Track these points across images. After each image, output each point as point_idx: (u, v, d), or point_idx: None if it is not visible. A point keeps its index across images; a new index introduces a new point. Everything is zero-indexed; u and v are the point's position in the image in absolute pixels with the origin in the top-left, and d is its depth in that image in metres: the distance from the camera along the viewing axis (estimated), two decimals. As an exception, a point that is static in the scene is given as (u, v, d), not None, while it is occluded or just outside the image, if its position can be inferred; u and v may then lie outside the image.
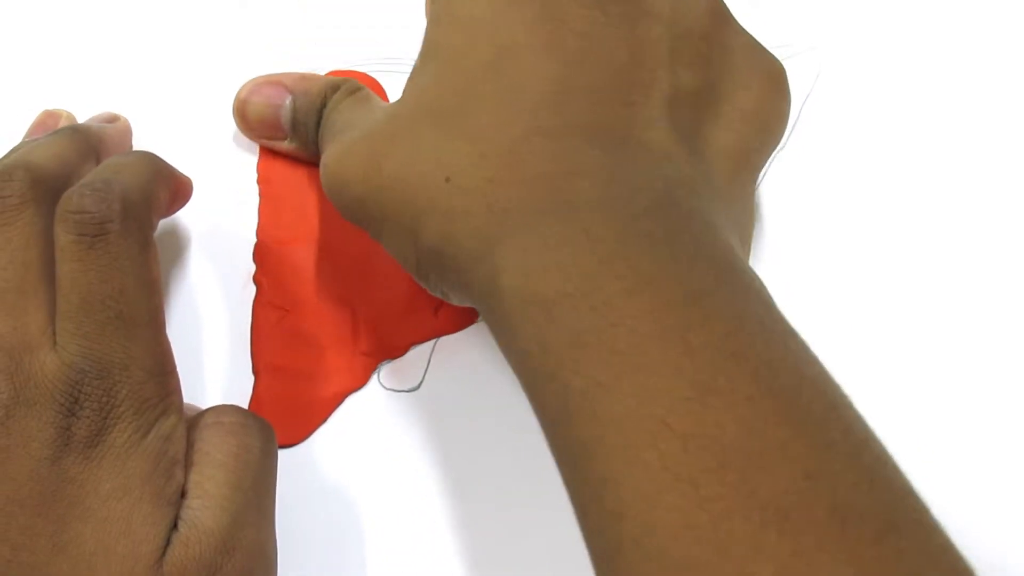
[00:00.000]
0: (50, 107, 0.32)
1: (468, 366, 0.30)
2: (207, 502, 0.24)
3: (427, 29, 0.26)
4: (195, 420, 0.26)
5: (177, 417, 0.24)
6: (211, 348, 0.30)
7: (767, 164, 0.27)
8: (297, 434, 0.29)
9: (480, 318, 0.31)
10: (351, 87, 0.29)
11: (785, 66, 0.27)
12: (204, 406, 0.29)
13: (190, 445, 0.25)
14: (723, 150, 0.25)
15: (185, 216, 0.32)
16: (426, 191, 0.23)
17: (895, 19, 0.36)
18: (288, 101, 0.31)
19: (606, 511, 0.19)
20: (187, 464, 0.24)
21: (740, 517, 0.17)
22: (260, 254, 0.32)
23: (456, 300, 0.25)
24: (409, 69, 0.26)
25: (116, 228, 0.24)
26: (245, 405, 0.29)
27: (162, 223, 0.32)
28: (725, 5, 0.26)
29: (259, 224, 0.32)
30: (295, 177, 0.33)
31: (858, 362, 0.30)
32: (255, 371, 0.30)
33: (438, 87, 0.24)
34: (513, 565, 0.28)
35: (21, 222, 0.24)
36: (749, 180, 0.26)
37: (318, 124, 0.29)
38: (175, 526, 0.23)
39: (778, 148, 0.28)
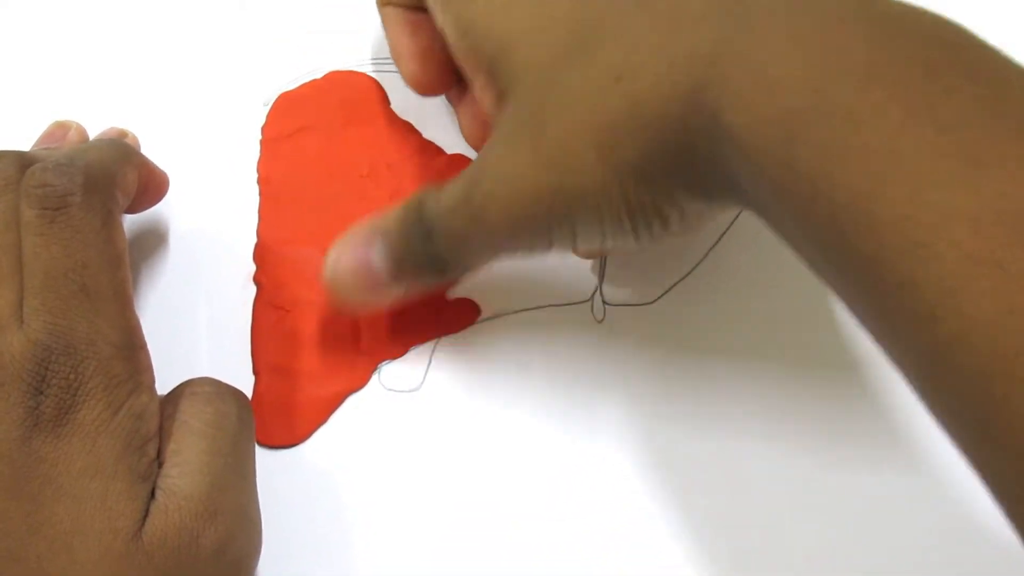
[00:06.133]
0: (58, 116, 0.32)
1: (468, 366, 0.30)
2: (185, 469, 0.24)
3: (482, 44, 0.26)
4: (170, 393, 0.26)
5: (149, 395, 0.24)
6: (211, 348, 0.30)
7: None
8: (297, 434, 0.29)
9: (480, 318, 0.31)
10: (431, 189, 0.26)
11: None
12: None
13: (167, 417, 0.25)
14: None
15: (186, 216, 0.32)
16: (605, 102, 0.22)
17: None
18: (377, 243, 0.27)
19: (913, 316, 0.18)
20: (164, 435, 0.24)
21: None
22: (260, 254, 0.32)
23: (687, 199, 0.23)
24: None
25: (78, 201, 0.24)
26: (245, 405, 0.29)
27: (164, 224, 0.32)
28: None
29: (259, 224, 0.32)
30: (295, 177, 0.33)
31: (858, 361, 0.30)
32: (255, 371, 0.30)
33: (550, 41, 0.24)
34: (513, 565, 0.28)
35: (2, 204, 0.24)
36: None
37: (424, 237, 0.26)
38: (152, 495, 0.23)
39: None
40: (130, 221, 0.31)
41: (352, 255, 0.27)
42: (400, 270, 0.27)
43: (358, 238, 0.27)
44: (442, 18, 0.27)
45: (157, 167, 0.30)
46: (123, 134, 0.32)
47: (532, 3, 0.25)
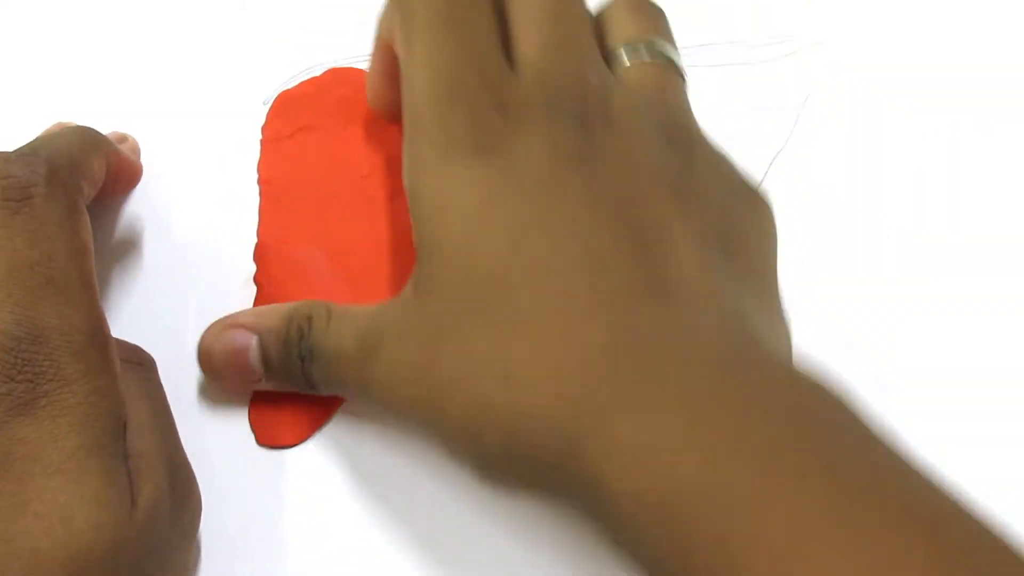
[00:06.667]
0: (58, 116, 0.32)
1: (469, 366, 0.30)
2: (139, 433, 0.24)
3: (419, 226, 0.25)
4: None
5: (119, 380, 0.24)
6: (211, 348, 0.30)
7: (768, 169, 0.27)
8: (297, 434, 0.29)
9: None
10: (321, 310, 0.27)
11: (789, 61, 0.26)
12: (205, 406, 0.29)
13: None
14: (750, 268, 0.25)
15: (186, 216, 0.32)
16: (486, 390, 0.22)
17: (898, 15, 0.36)
18: (254, 342, 0.28)
19: None
20: None
21: None
22: (260, 254, 0.32)
23: (541, 496, 0.23)
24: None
25: (41, 192, 0.24)
26: (245, 406, 0.29)
27: (163, 224, 0.32)
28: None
29: (259, 224, 0.32)
30: (295, 177, 0.33)
31: (860, 363, 0.30)
32: (255, 371, 0.30)
33: (461, 279, 0.23)
34: (513, 566, 0.28)
35: None
36: (774, 286, 0.26)
37: (302, 357, 0.27)
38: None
39: (778, 149, 0.28)
40: (129, 222, 0.32)
41: (229, 342, 0.28)
42: (271, 373, 0.28)
43: (239, 328, 0.28)
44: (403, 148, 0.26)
45: (128, 155, 0.29)
46: (123, 139, 0.32)
47: (464, 217, 0.24)
